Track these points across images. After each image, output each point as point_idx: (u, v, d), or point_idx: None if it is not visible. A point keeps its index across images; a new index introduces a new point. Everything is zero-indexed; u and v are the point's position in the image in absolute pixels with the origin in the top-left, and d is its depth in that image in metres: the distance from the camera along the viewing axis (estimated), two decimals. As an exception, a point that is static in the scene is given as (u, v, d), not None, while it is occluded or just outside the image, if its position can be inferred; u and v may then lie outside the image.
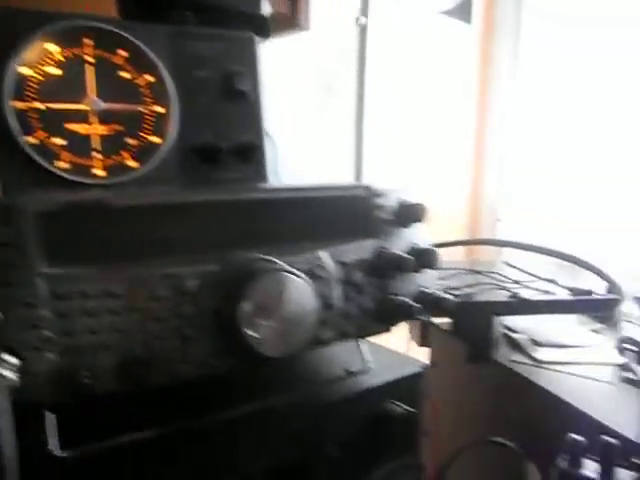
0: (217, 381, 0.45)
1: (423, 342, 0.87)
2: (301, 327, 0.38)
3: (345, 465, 0.49)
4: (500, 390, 0.73)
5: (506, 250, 1.26)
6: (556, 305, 0.66)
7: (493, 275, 0.83)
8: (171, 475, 0.39)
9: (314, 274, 0.40)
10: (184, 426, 0.40)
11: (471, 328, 0.71)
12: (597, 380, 0.64)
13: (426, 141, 1.49)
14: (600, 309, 0.65)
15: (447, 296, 0.46)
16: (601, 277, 0.68)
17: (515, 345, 0.76)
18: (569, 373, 0.67)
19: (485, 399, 0.76)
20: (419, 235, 0.48)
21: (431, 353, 0.86)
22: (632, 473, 0.43)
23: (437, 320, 0.85)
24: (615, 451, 0.44)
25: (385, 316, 0.45)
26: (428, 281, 0.47)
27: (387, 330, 0.46)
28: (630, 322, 0.61)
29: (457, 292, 0.72)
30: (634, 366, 0.52)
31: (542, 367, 0.69)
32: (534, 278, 0.80)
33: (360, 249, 0.44)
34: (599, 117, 1.44)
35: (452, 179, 1.59)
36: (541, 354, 0.72)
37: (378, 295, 0.44)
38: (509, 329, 0.80)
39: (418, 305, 0.45)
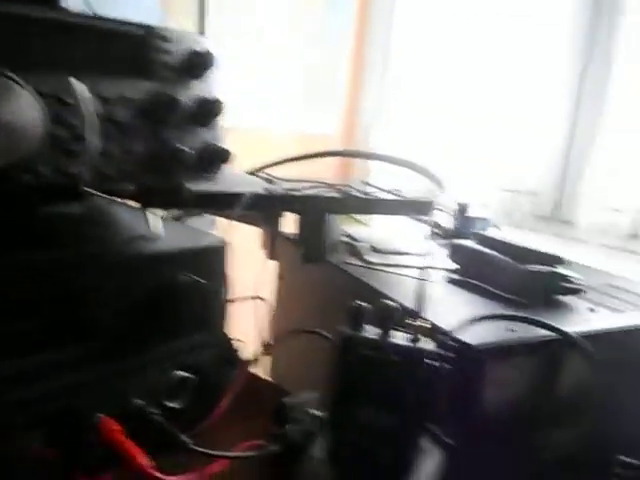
0: None
1: (272, 255, 0.85)
2: (14, 139, 0.33)
3: (135, 333, 0.46)
4: (334, 291, 0.72)
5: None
6: (380, 204, 0.66)
7: (342, 188, 0.82)
8: None
9: (59, 98, 0.36)
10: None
11: (305, 229, 0.69)
12: (418, 279, 0.65)
13: (294, 50, 1.42)
14: (421, 210, 0.66)
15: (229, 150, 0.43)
16: (430, 179, 0.69)
17: (354, 251, 0.76)
18: (395, 273, 0.67)
19: (322, 302, 0.75)
20: (209, 88, 0.45)
21: (279, 266, 0.84)
22: (405, 334, 0.43)
23: (285, 231, 0.83)
24: (393, 313, 0.44)
25: (157, 164, 0.41)
26: (216, 137, 0.45)
27: (165, 183, 0.43)
28: (447, 213, 0.62)
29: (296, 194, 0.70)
30: (435, 245, 0.52)
31: (371, 268, 0.69)
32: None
33: (130, 88, 0.40)
34: (484, 51, 1.44)
35: (327, 95, 1.54)
36: (375, 258, 0.73)
37: (150, 140, 0.41)
38: (351, 238, 0.80)
39: (192, 152, 0.41)
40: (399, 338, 0.43)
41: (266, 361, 0.79)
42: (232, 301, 0.71)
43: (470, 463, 0.48)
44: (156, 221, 0.47)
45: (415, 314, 0.43)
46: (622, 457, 0.38)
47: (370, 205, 0.66)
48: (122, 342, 0.46)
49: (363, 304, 0.45)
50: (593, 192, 1.09)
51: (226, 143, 0.44)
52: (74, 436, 0.44)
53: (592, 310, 0.62)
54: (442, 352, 0.42)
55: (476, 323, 0.45)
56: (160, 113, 0.41)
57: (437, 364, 0.42)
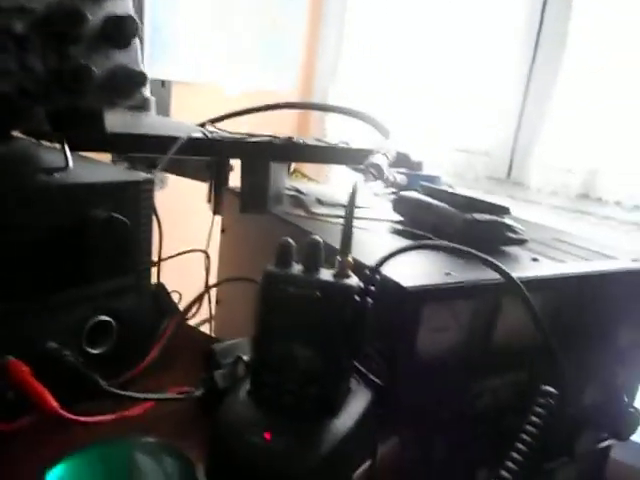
0: None
1: (216, 209, 0.82)
2: None
3: (44, 271, 0.43)
4: (276, 242, 0.70)
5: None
6: (321, 152, 0.64)
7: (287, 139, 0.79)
8: None
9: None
10: None
11: (246, 177, 0.67)
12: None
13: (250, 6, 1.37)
14: (362, 159, 0.64)
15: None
16: (377, 128, 0.67)
17: (299, 203, 0.73)
18: (337, 223, 0.65)
19: (264, 253, 0.73)
20: (123, 5, 0.41)
21: (222, 220, 0.82)
22: (331, 271, 0.41)
23: (230, 185, 0.81)
24: (319, 249, 0.42)
25: (61, 83, 0.38)
26: (132, 59, 0.41)
27: (71, 104, 0.39)
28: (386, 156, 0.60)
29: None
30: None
31: (314, 218, 0.67)
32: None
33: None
34: (441, 10, 1.41)
35: (284, 53, 1.49)
36: (321, 210, 0.71)
37: (53, 57, 0.38)
38: (298, 191, 0.77)
39: (97, 70, 0.38)
40: (325, 275, 0.42)
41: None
42: (163, 259, 0.69)
43: (401, 405, 0.47)
44: (68, 152, 0.44)
45: (343, 251, 0.41)
46: (544, 386, 0.37)
47: (311, 153, 0.64)
48: (31, 281, 0.43)
49: (291, 241, 0.43)
50: (545, 154, 1.09)
51: (141, 66, 0.41)
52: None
53: (535, 260, 0.62)
54: (368, 288, 0.41)
55: (399, 254, 0.43)
56: (63, 27, 0.38)
57: (364, 301, 0.41)
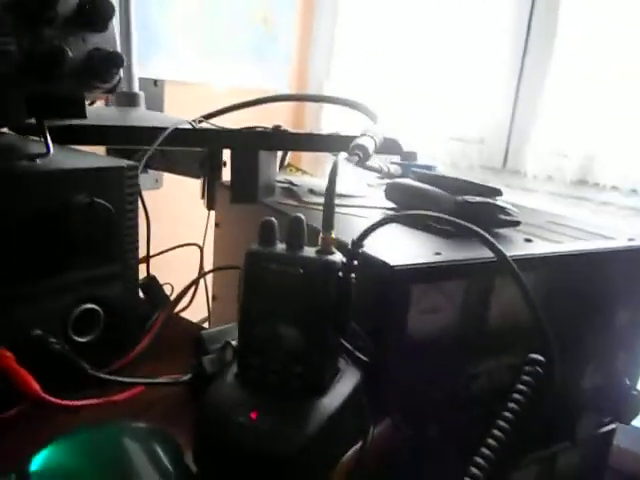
0: None
1: (210, 204, 0.82)
2: None
3: (24, 259, 0.43)
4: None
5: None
6: (309, 140, 0.64)
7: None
8: None
9: None
10: None
11: (236, 167, 0.67)
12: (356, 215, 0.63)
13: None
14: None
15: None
16: (364, 113, 0.66)
17: (291, 194, 0.73)
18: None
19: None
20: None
21: (216, 215, 0.82)
22: (312, 249, 0.41)
23: (222, 180, 0.81)
24: (302, 227, 0.41)
25: (36, 67, 0.38)
26: (108, 42, 0.41)
27: (48, 89, 0.39)
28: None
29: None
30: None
31: (305, 207, 0.66)
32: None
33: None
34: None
35: (276, 50, 1.49)
36: (311, 199, 0.70)
37: (25, 39, 0.38)
38: (290, 183, 0.77)
39: (69, 52, 0.38)
40: (308, 252, 0.41)
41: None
42: (155, 254, 0.69)
43: (391, 385, 0.46)
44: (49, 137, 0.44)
45: (325, 228, 0.41)
46: (531, 355, 0.36)
47: (300, 141, 0.64)
48: (14, 268, 0.43)
49: (274, 220, 0.43)
50: (541, 141, 1.08)
51: (118, 48, 0.41)
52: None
53: (529, 240, 0.61)
54: (351, 263, 0.40)
55: (381, 226, 0.42)
56: (37, 8, 0.37)
57: (347, 277, 0.40)
